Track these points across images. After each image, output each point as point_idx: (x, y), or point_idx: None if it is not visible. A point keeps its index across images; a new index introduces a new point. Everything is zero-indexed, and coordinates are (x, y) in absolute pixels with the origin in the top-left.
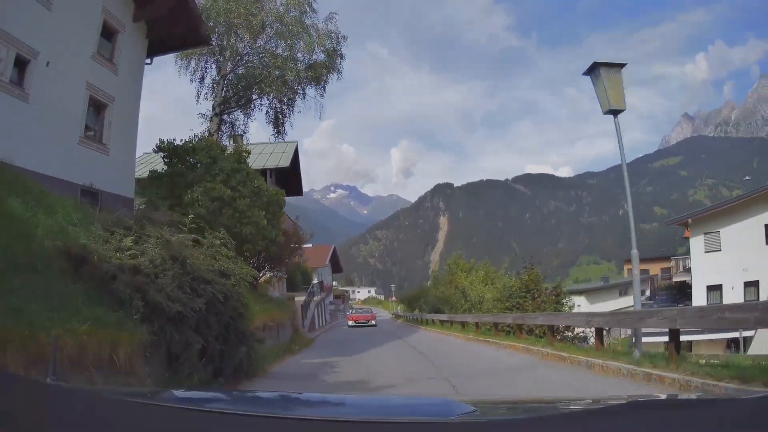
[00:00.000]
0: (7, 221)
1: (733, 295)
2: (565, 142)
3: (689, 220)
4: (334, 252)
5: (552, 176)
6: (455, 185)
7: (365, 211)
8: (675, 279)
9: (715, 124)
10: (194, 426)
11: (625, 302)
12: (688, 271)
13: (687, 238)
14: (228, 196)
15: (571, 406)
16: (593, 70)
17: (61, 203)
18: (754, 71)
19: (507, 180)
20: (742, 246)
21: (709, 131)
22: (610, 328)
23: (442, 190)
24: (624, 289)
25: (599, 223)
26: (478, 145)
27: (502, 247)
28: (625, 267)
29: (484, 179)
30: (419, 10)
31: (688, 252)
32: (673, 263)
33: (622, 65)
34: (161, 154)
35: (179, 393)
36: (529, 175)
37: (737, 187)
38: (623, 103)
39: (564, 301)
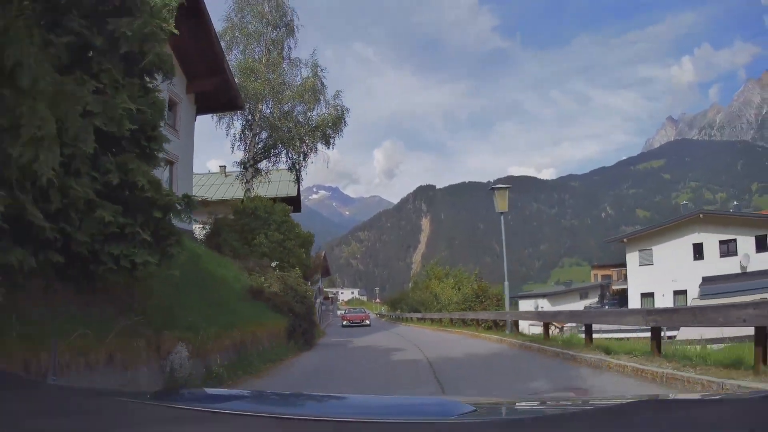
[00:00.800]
0: (210, 275)
1: (664, 301)
2: (549, 143)
3: (625, 240)
4: (324, 257)
5: (534, 178)
6: (437, 187)
7: (347, 213)
8: (614, 287)
9: (699, 128)
10: (194, 426)
11: (585, 304)
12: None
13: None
14: (280, 239)
15: (571, 406)
16: (494, 190)
17: (202, 250)
18: (740, 74)
19: (489, 182)
20: (673, 260)
21: (693, 134)
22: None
23: (425, 191)
24: (585, 293)
25: (581, 226)
26: (461, 146)
27: (483, 249)
28: (592, 273)
29: (467, 181)
30: (405, 10)
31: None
32: (614, 272)
33: (507, 187)
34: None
35: (179, 393)
36: (511, 177)
37: (721, 191)
38: (506, 207)
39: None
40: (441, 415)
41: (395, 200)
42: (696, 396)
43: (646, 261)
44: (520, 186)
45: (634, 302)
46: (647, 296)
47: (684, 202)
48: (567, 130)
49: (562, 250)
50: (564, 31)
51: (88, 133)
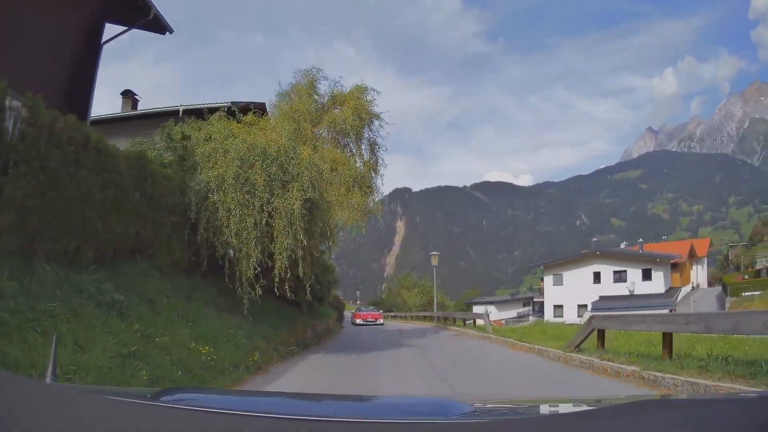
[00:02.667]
0: None
1: (570, 312)
2: (528, 149)
3: (542, 266)
4: None
5: (510, 184)
6: (413, 190)
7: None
8: (536, 299)
9: (679, 139)
10: (194, 426)
11: (520, 311)
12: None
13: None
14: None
15: (571, 406)
16: (433, 255)
17: None
18: (723, 88)
19: (465, 187)
20: (578, 283)
21: (672, 146)
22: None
23: (400, 194)
24: (527, 301)
25: (556, 233)
26: (439, 149)
27: (458, 253)
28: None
29: (443, 185)
30: (388, 11)
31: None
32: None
33: (437, 254)
34: None
35: (179, 393)
36: (487, 182)
37: (697, 203)
38: (437, 263)
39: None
40: (441, 415)
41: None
42: (696, 396)
43: (558, 282)
44: (497, 191)
45: (548, 312)
46: (558, 307)
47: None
48: (546, 136)
49: (536, 257)
50: (547, 38)
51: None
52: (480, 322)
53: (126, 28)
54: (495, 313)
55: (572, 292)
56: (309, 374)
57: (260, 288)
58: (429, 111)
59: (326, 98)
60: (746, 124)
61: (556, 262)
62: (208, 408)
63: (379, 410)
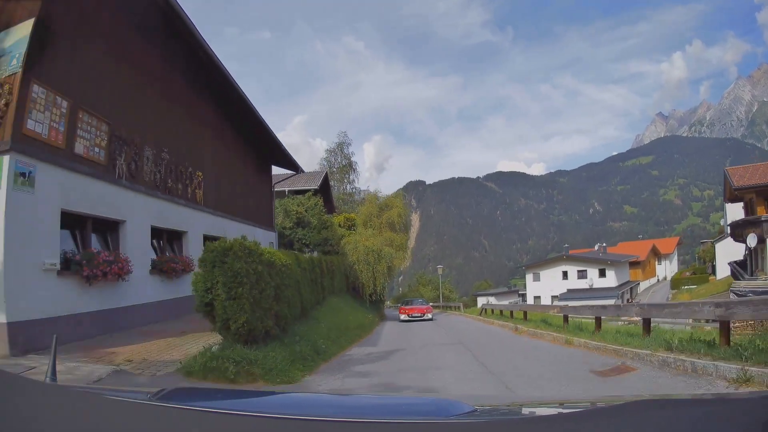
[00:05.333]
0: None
1: (546, 301)
2: (539, 138)
3: (524, 267)
4: None
5: (524, 174)
6: (427, 182)
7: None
8: (520, 292)
9: (689, 124)
10: (194, 426)
11: (513, 300)
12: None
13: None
14: None
15: (572, 406)
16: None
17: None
18: (731, 72)
19: (479, 178)
20: (551, 279)
21: (683, 131)
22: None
23: (414, 187)
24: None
25: (570, 221)
26: (450, 140)
27: (472, 244)
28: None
29: (456, 177)
30: (392, 2)
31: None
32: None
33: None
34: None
35: (179, 393)
36: (500, 173)
37: (709, 188)
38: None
39: (455, 298)
40: (441, 415)
41: (386, 194)
42: (696, 396)
43: (536, 279)
44: (510, 181)
45: (530, 301)
46: (537, 298)
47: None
48: (556, 125)
49: (549, 246)
50: (554, 25)
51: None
52: (461, 309)
53: (286, 176)
54: (494, 302)
55: (546, 286)
56: (389, 327)
57: (369, 297)
58: (439, 102)
59: (383, 200)
60: (755, 108)
61: (534, 264)
62: (208, 408)
63: (379, 410)
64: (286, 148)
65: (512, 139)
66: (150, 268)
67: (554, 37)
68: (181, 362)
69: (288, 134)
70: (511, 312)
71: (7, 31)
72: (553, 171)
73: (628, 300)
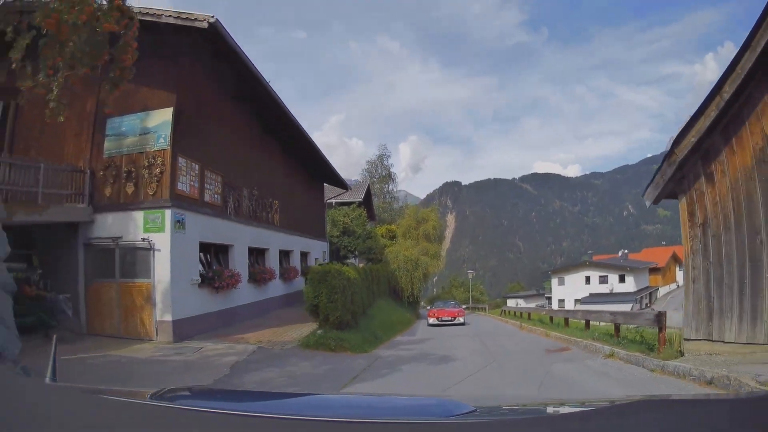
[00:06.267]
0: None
1: (569, 304)
2: (574, 139)
3: (550, 272)
4: None
5: (558, 176)
6: (463, 183)
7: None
8: (546, 295)
9: None
10: (194, 426)
11: (539, 303)
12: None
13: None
14: None
15: (571, 407)
16: None
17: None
18: None
19: (514, 179)
20: (575, 283)
21: None
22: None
23: (450, 188)
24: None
25: (603, 223)
26: (486, 141)
27: (507, 245)
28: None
29: (492, 178)
30: (427, 2)
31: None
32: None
33: None
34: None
35: (179, 393)
36: (536, 174)
37: None
38: None
39: (485, 300)
40: (441, 415)
41: (422, 195)
42: (696, 396)
43: (561, 283)
44: (545, 183)
45: (555, 304)
46: (561, 301)
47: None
48: (591, 126)
49: (583, 248)
50: (588, 26)
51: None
52: (486, 310)
53: (337, 193)
54: (523, 304)
55: (570, 290)
56: (423, 324)
57: (408, 299)
58: (474, 102)
59: (419, 213)
60: None
61: (559, 269)
62: (208, 408)
63: (379, 410)
64: (330, 162)
65: (547, 140)
66: (248, 278)
67: (588, 38)
68: (298, 341)
69: (325, 134)
70: (530, 314)
71: (148, 113)
72: (588, 173)
73: (646, 305)
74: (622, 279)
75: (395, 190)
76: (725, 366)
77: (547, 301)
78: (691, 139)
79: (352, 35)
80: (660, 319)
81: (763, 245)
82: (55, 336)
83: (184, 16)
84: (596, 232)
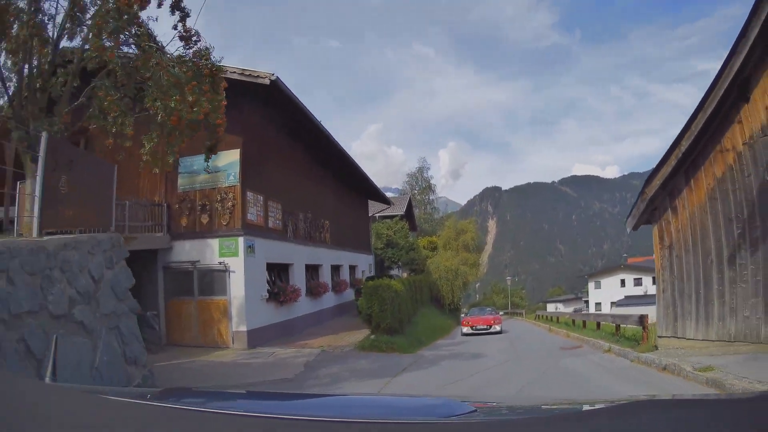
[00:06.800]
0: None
1: (606, 307)
2: (612, 140)
3: (587, 276)
4: None
5: (597, 177)
6: (503, 188)
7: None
8: (583, 299)
9: None
10: (194, 426)
11: (577, 306)
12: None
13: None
14: None
15: (571, 407)
16: None
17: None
18: None
19: (554, 182)
20: (611, 287)
21: None
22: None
23: (491, 193)
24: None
25: (644, 225)
26: (524, 144)
27: (548, 249)
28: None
29: (531, 182)
30: (462, 7)
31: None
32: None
33: None
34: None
35: (179, 393)
36: (575, 176)
37: None
38: None
39: (524, 305)
40: (441, 416)
41: (462, 201)
42: (696, 396)
43: (598, 287)
44: (584, 185)
45: (592, 307)
46: (598, 304)
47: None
48: (628, 126)
49: (623, 250)
50: (618, 25)
51: None
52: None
53: (380, 210)
54: (562, 309)
55: (606, 293)
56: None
57: (448, 306)
58: (511, 106)
59: (458, 225)
60: None
61: (596, 273)
62: (208, 408)
63: (379, 410)
64: (373, 181)
65: (585, 142)
66: (306, 291)
67: (620, 37)
68: (354, 345)
69: (363, 143)
70: (558, 318)
71: (218, 154)
72: (626, 173)
73: None
74: (654, 281)
75: (435, 200)
76: (678, 357)
77: (584, 305)
78: (657, 182)
79: (387, 43)
80: (642, 320)
81: (712, 264)
82: (55, 336)
83: (247, 73)
84: (637, 234)
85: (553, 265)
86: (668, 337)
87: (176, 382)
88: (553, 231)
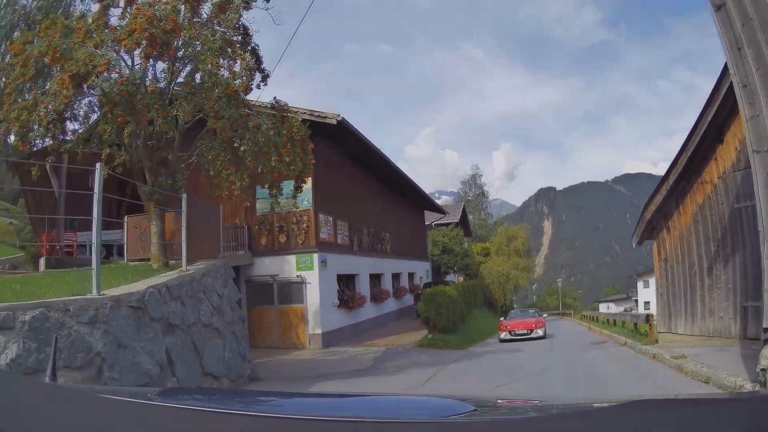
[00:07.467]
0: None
1: (654, 306)
2: (662, 135)
3: (635, 276)
4: None
5: (650, 175)
6: (557, 189)
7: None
8: (633, 298)
9: None
10: (194, 426)
11: (627, 306)
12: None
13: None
14: None
15: (571, 407)
16: None
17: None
18: None
19: (607, 181)
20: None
21: None
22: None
23: (545, 193)
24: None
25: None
26: (576, 143)
27: (604, 249)
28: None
29: (585, 181)
30: (506, 8)
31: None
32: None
33: None
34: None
35: (179, 393)
36: (627, 174)
37: None
38: None
39: (576, 306)
40: (441, 415)
41: (517, 203)
42: (696, 396)
43: (646, 286)
44: (637, 183)
45: (641, 307)
46: (647, 303)
47: None
48: (678, 121)
49: None
50: (662, 19)
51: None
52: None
53: (435, 219)
54: (613, 308)
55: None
56: None
57: (501, 308)
58: (562, 105)
59: (509, 231)
60: None
61: (643, 272)
62: (208, 408)
63: (379, 410)
64: (428, 194)
65: (636, 138)
66: (370, 298)
67: (665, 31)
68: (414, 343)
69: (416, 147)
70: (597, 317)
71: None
72: None
73: None
74: None
75: (488, 205)
76: (665, 348)
77: (634, 304)
78: (653, 207)
79: (436, 46)
80: (648, 318)
81: (696, 274)
82: (56, 336)
83: (316, 114)
84: None
85: (609, 264)
86: (665, 332)
87: (273, 374)
88: (608, 230)
